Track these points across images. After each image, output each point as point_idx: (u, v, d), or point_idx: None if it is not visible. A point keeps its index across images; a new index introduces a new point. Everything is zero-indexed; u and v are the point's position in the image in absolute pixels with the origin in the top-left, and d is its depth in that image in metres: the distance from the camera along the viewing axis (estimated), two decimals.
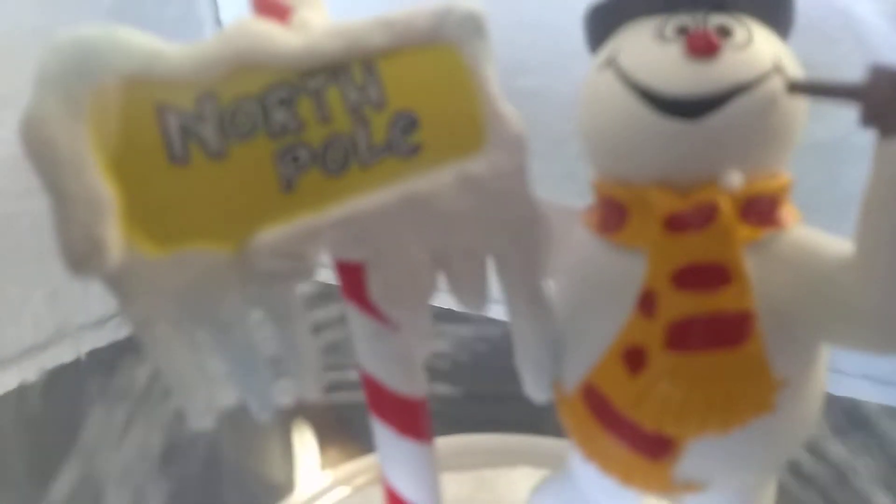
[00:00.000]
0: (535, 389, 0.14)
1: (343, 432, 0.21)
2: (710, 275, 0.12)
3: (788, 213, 0.13)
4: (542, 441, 0.21)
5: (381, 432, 0.15)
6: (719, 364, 0.12)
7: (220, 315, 0.12)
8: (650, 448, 0.12)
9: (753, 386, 0.12)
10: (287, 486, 0.20)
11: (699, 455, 0.12)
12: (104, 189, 0.11)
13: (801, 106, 0.12)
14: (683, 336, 0.12)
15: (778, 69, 0.12)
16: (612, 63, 0.13)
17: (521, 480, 0.19)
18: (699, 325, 0.12)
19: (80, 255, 0.11)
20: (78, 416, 0.27)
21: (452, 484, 0.18)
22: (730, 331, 0.12)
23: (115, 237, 0.11)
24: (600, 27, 0.13)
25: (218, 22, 0.55)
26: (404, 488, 0.15)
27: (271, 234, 0.12)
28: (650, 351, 0.12)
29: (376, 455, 0.15)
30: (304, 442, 0.22)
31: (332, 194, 0.12)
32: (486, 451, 0.21)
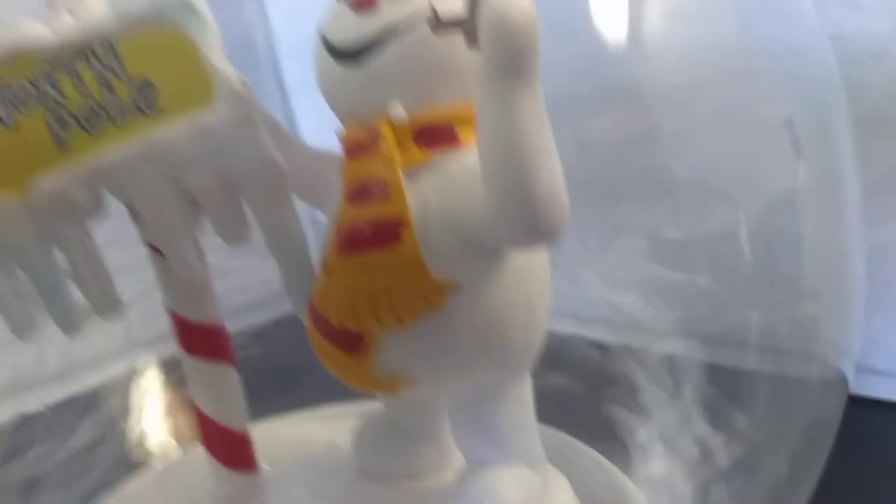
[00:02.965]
0: (300, 312, 0.16)
1: None
2: (372, 190, 0.14)
3: (466, 137, 0.14)
4: None
5: (188, 362, 0.17)
6: (377, 263, 0.14)
7: (18, 246, 0.16)
8: (344, 343, 0.14)
9: (414, 284, 0.14)
10: None
11: (390, 350, 0.14)
12: None
13: (460, 43, 0.14)
14: (347, 240, 0.14)
15: (431, 10, 0.14)
16: (318, 25, 0.15)
17: None
18: (359, 230, 0.14)
19: None
20: None
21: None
22: (384, 234, 0.14)
23: None
24: None
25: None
26: (209, 409, 0.17)
27: (47, 180, 0.15)
28: (330, 257, 0.14)
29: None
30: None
31: (93, 148, 0.15)
32: None
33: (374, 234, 0.14)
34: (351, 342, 0.14)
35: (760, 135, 0.17)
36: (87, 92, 0.15)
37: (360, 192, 0.14)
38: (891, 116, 0.24)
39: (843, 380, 0.19)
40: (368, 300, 0.14)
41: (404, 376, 0.15)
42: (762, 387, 0.19)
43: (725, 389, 0.18)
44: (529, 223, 0.12)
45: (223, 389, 0.18)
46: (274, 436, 0.19)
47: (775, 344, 0.18)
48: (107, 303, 0.16)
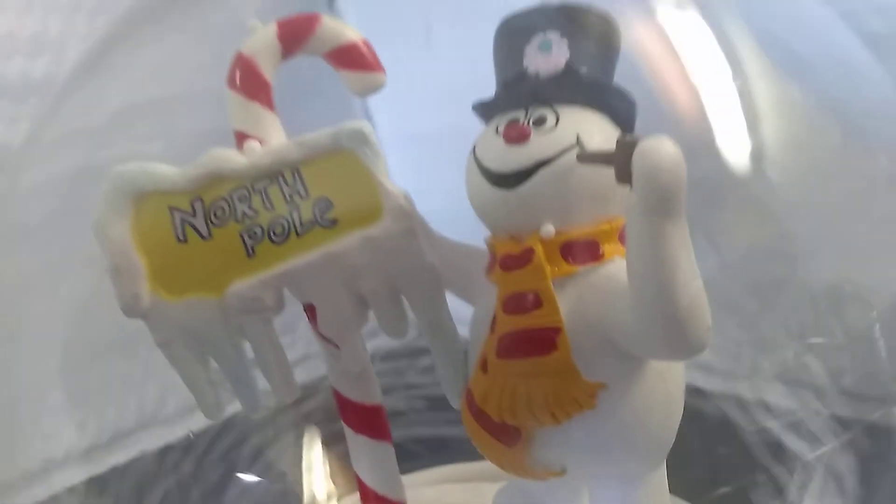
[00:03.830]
0: (452, 399, 0.18)
1: None
2: (527, 300, 0.16)
3: (610, 250, 0.16)
4: None
5: (347, 432, 0.20)
6: (535, 368, 0.15)
7: (213, 339, 0.18)
8: (503, 436, 0.16)
9: (568, 387, 0.15)
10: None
11: (545, 443, 0.16)
12: (138, 261, 0.18)
13: (600, 171, 0.16)
14: (507, 346, 0.16)
15: (578, 143, 0.16)
16: (472, 151, 0.17)
17: None
18: (517, 337, 0.16)
19: (127, 304, 0.18)
20: None
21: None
22: (540, 342, 0.15)
23: (145, 291, 0.18)
24: (482, 119, 0.18)
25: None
26: (367, 478, 0.20)
27: (240, 284, 0.18)
28: (489, 358, 0.16)
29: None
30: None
31: (279, 257, 0.18)
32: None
33: (532, 343, 0.16)
34: (509, 435, 0.16)
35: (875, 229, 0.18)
36: (274, 209, 0.18)
37: (516, 302, 0.16)
38: None
39: None
40: (526, 401, 0.16)
41: (557, 466, 0.16)
42: None
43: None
44: (676, 341, 0.14)
45: (381, 462, 0.20)
46: (420, 497, 0.21)
47: None
48: (287, 389, 0.19)
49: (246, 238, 0.18)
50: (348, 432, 0.20)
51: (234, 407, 0.19)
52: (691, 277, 0.14)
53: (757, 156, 0.16)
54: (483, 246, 0.18)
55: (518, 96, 0.17)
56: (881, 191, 0.19)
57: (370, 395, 0.19)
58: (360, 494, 0.20)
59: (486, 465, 0.18)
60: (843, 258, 0.18)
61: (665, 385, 0.16)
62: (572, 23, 0.17)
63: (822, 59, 0.17)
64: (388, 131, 0.65)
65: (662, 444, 0.17)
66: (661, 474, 0.18)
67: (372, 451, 0.20)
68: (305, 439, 0.25)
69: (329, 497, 0.24)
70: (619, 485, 0.17)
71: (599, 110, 0.17)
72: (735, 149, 0.17)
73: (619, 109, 0.17)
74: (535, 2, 0.18)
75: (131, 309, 0.18)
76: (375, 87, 0.19)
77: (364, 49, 0.19)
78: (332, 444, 0.24)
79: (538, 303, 0.16)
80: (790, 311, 0.18)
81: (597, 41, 0.17)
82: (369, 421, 0.19)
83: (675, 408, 0.17)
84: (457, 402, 0.18)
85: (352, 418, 0.19)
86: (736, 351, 0.20)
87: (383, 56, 0.19)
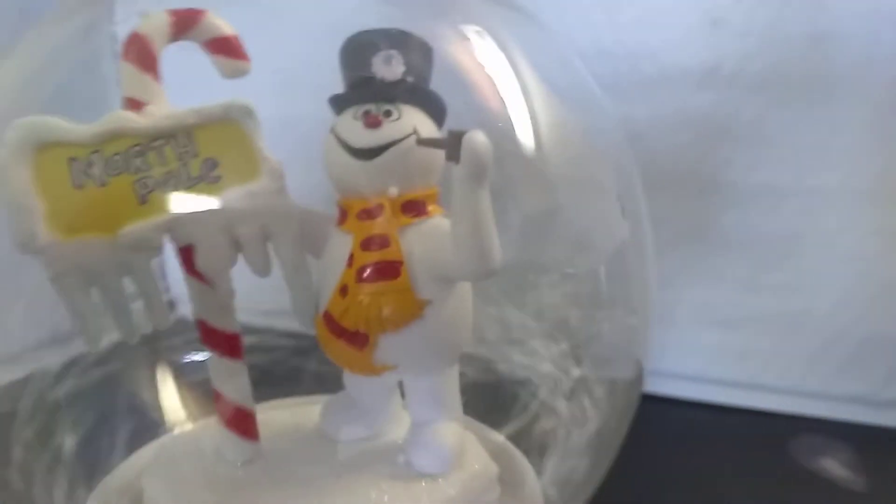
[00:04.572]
0: (305, 325, 0.24)
1: None
2: (379, 241, 0.22)
3: (433, 209, 0.23)
4: None
5: (211, 358, 0.24)
6: (384, 288, 0.22)
7: (102, 274, 0.21)
8: (355, 342, 0.22)
9: (406, 302, 0.22)
10: None
11: (385, 346, 0.22)
12: (37, 203, 0.20)
13: (430, 152, 0.22)
14: (364, 274, 0.22)
15: (415, 132, 0.22)
16: (333, 130, 0.23)
17: None
18: (372, 267, 0.22)
19: (21, 241, 0.20)
20: None
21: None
22: (389, 270, 0.22)
23: (42, 229, 0.20)
24: (335, 109, 0.23)
25: None
26: (227, 392, 0.24)
27: (131, 228, 0.21)
28: (349, 284, 0.22)
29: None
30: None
31: (167, 205, 0.21)
32: None
33: (383, 271, 0.22)
34: (360, 341, 0.22)
35: (606, 205, 0.27)
36: (166, 164, 0.21)
37: (370, 243, 0.22)
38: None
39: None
40: (377, 313, 0.22)
41: (392, 362, 0.22)
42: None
43: None
44: (482, 266, 0.21)
45: (238, 378, 0.24)
46: (269, 416, 0.26)
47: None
48: (163, 316, 0.22)
49: (139, 188, 0.21)
50: (212, 357, 0.24)
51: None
52: (491, 224, 0.21)
53: (536, 143, 0.24)
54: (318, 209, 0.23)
55: (369, 94, 0.23)
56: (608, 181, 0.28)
57: (232, 324, 0.24)
58: (219, 409, 0.24)
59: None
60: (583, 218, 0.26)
61: (465, 303, 0.23)
62: (405, 44, 0.23)
63: (571, 88, 0.26)
64: None
65: (461, 345, 0.24)
66: (456, 369, 0.25)
67: (231, 370, 0.24)
68: (158, 372, 0.28)
69: (185, 420, 0.27)
70: (428, 376, 0.24)
71: (423, 109, 0.23)
72: (521, 137, 0.24)
73: (437, 109, 0.23)
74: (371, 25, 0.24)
75: (27, 245, 0.20)
76: (242, 73, 0.23)
77: (236, 42, 0.23)
78: (180, 376, 0.28)
79: (387, 243, 0.22)
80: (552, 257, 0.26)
81: (420, 58, 0.24)
82: (231, 345, 0.24)
83: (469, 320, 0.24)
84: (308, 326, 0.24)
85: (216, 344, 0.24)
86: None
87: None
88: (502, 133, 0.23)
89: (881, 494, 0.36)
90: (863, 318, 0.54)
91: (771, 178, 0.53)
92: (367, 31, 0.24)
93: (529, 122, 0.23)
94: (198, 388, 0.25)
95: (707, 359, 0.55)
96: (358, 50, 0.23)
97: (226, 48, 0.23)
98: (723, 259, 0.53)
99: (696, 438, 0.44)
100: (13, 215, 0.20)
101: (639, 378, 0.26)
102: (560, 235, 0.23)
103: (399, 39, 0.23)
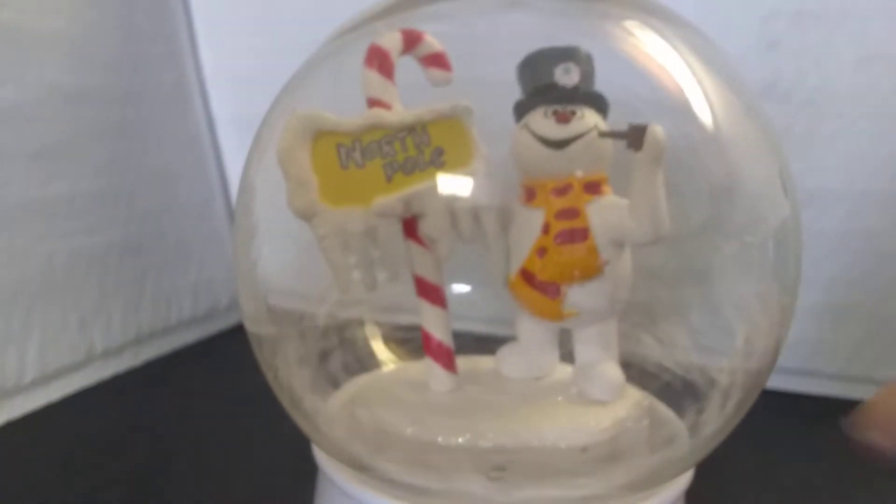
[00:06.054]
0: (502, 280, 0.29)
1: None
2: (570, 213, 0.28)
3: (606, 189, 0.29)
4: None
5: (424, 306, 0.30)
6: (575, 250, 0.28)
7: (356, 235, 0.27)
8: (549, 292, 0.28)
9: (591, 261, 0.28)
10: None
11: (572, 295, 0.28)
12: (312, 178, 0.26)
13: (604, 143, 0.28)
14: (561, 237, 0.28)
15: (596, 127, 0.28)
16: (525, 126, 0.29)
17: None
18: (566, 232, 0.28)
19: (303, 209, 0.26)
20: None
21: None
22: (579, 234, 0.27)
23: (316, 199, 0.26)
24: (519, 112, 0.29)
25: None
26: (435, 333, 0.30)
27: (381, 200, 0.27)
28: (548, 246, 0.28)
29: None
30: None
31: (408, 183, 0.27)
32: None
33: (575, 235, 0.28)
34: (553, 291, 0.28)
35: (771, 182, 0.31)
36: (407, 151, 0.27)
37: (563, 214, 0.28)
38: None
39: None
40: (570, 268, 0.28)
41: (576, 309, 0.28)
42: None
43: None
44: (656, 230, 0.27)
45: (443, 322, 0.30)
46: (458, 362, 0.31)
47: None
48: (394, 272, 0.28)
49: (387, 169, 0.27)
50: (424, 305, 0.30)
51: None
52: (664, 198, 0.27)
53: (714, 122, 0.29)
54: None
55: (554, 98, 0.29)
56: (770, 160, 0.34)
57: (441, 279, 0.30)
58: (428, 346, 0.30)
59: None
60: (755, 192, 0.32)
61: (628, 266, 0.29)
62: (578, 57, 0.29)
63: (728, 75, 0.31)
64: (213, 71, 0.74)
65: (625, 299, 0.29)
66: (615, 319, 0.30)
67: (439, 316, 0.30)
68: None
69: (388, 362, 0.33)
70: (597, 323, 0.30)
71: (595, 108, 0.29)
72: (701, 116, 0.29)
73: (605, 107, 0.29)
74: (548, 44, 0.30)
75: (307, 211, 0.26)
76: (448, 82, 0.30)
77: (445, 57, 0.29)
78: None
79: (577, 214, 0.28)
80: None
81: (588, 67, 0.30)
82: (439, 296, 0.30)
83: (630, 277, 0.29)
84: (502, 283, 0.29)
85: (428, 295, 0.30)
86: None
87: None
88: (684, 113, 0.28)
89: None
90: None
91: (821, 183, 0.59)
92: (545, 48, 0.30)
93: (704, 103, 0.29)
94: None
95: None
96: (540, 63, 0.29)
97: (437, 62, 0.29)
98: None
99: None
100: (296, 188, 0.26)
101: (774, 359, 0.30)
102: (739, 205, 0.29)
103: (574, 54, 0.29)
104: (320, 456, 0.30)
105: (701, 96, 0.28)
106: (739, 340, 0.29)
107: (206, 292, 0.71)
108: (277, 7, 0.70)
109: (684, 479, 0.29)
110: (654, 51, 0.30)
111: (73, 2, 0.59)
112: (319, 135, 0.26)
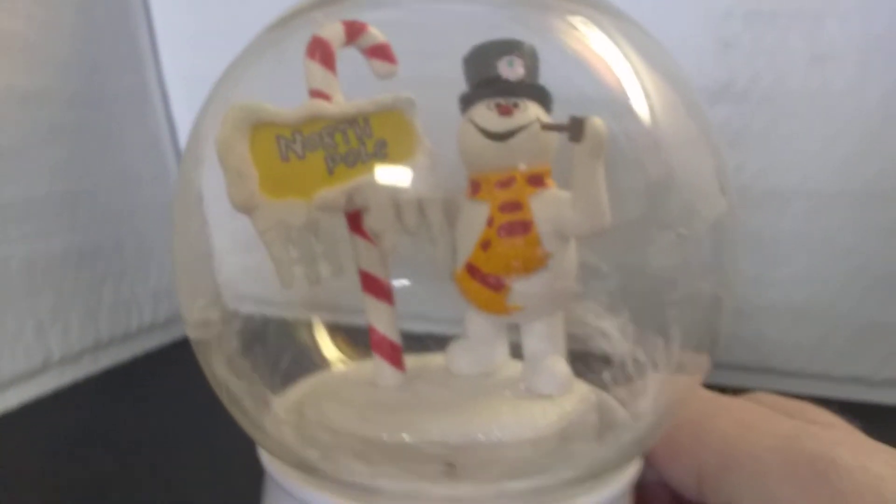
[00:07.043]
0: (447, 273, 0.29)
1: None
2: (514, 206, 0.28)
3: (550, 182, 0.29)
4: None
5: (370, 301, 0.29)
6: (519, 243, 0.27)
7: (297, 228, 0.27)
8: (494, 286, 0.28)
9: (535, 253, 0.27)
10: None
11: (517, 289, 0.28)
12: (252, 170, 0.26)
13: (547, 135, 0.28)
14: (504, 230, 0.28)
15: (538, 119, 0.28)
16: (469, 119, 0.29)
17: None
18: (509, 225, 0.27)
19: (242, 202, 0.26)
20: None
21: None
22: (523, 227, 0.27)
23: (255, 192, 0.26)
24: (465, 105, 0.29)
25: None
26: (382, 329, 0.30)
27: (323, 193, 0.27)
28: (492, 239, 0.28)
29: None
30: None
31: (350, 176, 0.27)
32: None
33: (518, 228, 0.28)
34: (497, 285, 0.28)
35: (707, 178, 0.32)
36: (349, 143, 0.27)
37: (506, 207, 0.28)
38: None
39: None
40: (513, 261, 0.27)
41: (520, 303, 0.28)
42: None
43: None
44: (599, 224, 0.27)
45: (389, 318, 0.30)
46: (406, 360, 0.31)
47: None
48: (337, 267, 0.28)
49: (328, 161, 0.27)
50: (370, 301, 0.29)
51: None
52: (605, 190, 0.27)
53: (652, 117, 0.29)
54: None
55: (497, 90, 0.29)
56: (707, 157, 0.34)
57: (387, 274, 0.29)
58: (375, 343, 0.30)
59: None
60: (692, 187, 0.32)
61: (573, 259, 0.29)
62: (522, 51, 0.29)
63: (669, 72, 0.32)
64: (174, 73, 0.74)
65: (571, 291, 0.29)
66: (562, 313, 0.30)
67: (385, 312, 0.30)
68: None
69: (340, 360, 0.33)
70: (544, 317, 0.30)
71: (538, 101, 0.29)
72: (639, 112, 0.29)
73: (548, 101, 0.29)
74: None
75: (246, 204, 0.26)
76: (392, 74, 0.29)
77: (388, 49, 0.29)
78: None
79: (520, 206, 0.28)
80: None
81: (532, 61, 0.30)
82: (385, 292, 0.29)
83: (574, 270, 0.29)
84: (447, 277, 0.29)
85: (375, 290, 0.29)
86: None
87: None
88: (623, 108, 0.28)
89: None
90: (859, 308, 0.61)
91: (778, 182, 0.60)
92: (489, 41, 0.30)
93: (644, 99, 0.29)
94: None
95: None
96: (484, 56, 0.29)
97: (381, 53, 0.29)
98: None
99: None
100: (235, 180, 0.26)
101: (712, 351, 0.30)
102: (675, 198, 0.29)
103: (517, 46, 0.29)
104: (266, 458, 0.29)
105: (641, 93, 0.28)
106: (677, 332, 0.29)
107: (167, 298, 0.70)
108: (239, 9, 0.69)
109: (632, 470, 0.29)
110: (597, 46, 0.30)
111: (29, 3, 0.58)
112: (258, 126, 0.26)
